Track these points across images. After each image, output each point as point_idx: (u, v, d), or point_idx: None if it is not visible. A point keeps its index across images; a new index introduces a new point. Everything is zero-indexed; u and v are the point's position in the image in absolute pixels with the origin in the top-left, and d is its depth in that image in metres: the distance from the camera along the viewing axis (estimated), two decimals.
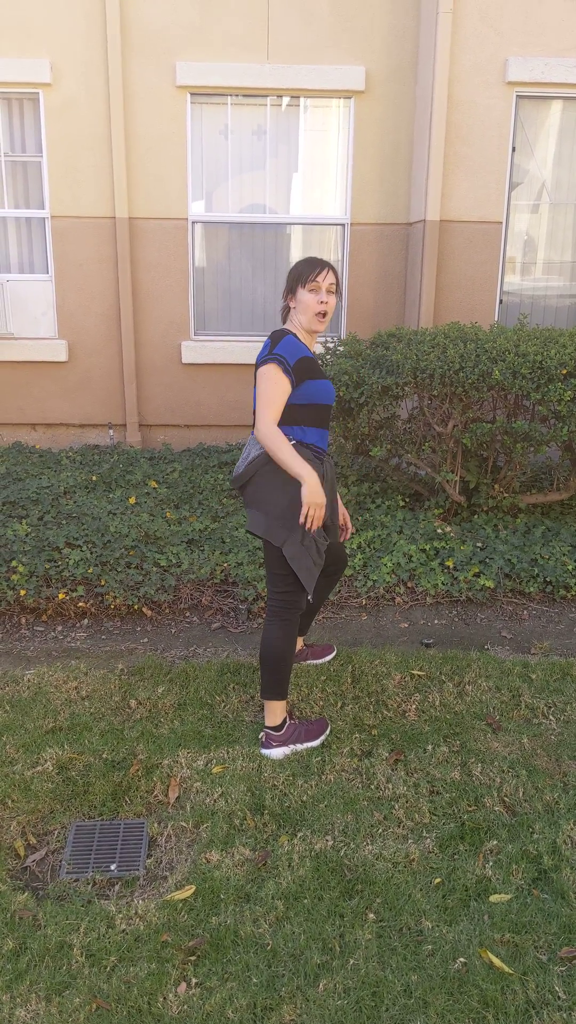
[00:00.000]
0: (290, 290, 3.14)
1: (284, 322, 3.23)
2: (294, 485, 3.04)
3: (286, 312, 3.21)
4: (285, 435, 3.04)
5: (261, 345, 7.26)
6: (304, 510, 2.97)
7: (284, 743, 3.19)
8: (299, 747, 3.20)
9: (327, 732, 3.29)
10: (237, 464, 3.26)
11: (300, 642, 3.68)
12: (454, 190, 6.65)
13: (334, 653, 3.91)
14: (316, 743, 3.23)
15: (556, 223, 6.98)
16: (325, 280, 3.07)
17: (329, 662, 3.86)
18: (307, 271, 3.08)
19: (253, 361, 7.31)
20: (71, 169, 6.93)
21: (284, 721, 3.21)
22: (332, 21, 6.73)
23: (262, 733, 3.23)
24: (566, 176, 6.86)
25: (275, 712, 3.20)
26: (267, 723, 3.22)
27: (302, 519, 2.98)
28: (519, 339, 4.94)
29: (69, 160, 6.91)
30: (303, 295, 3.09)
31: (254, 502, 3.14)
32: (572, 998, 2.10)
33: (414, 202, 7.01)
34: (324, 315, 3.10)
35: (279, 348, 3.02)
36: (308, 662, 3.83)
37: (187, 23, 6.70)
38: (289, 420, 3.09)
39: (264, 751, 3.18)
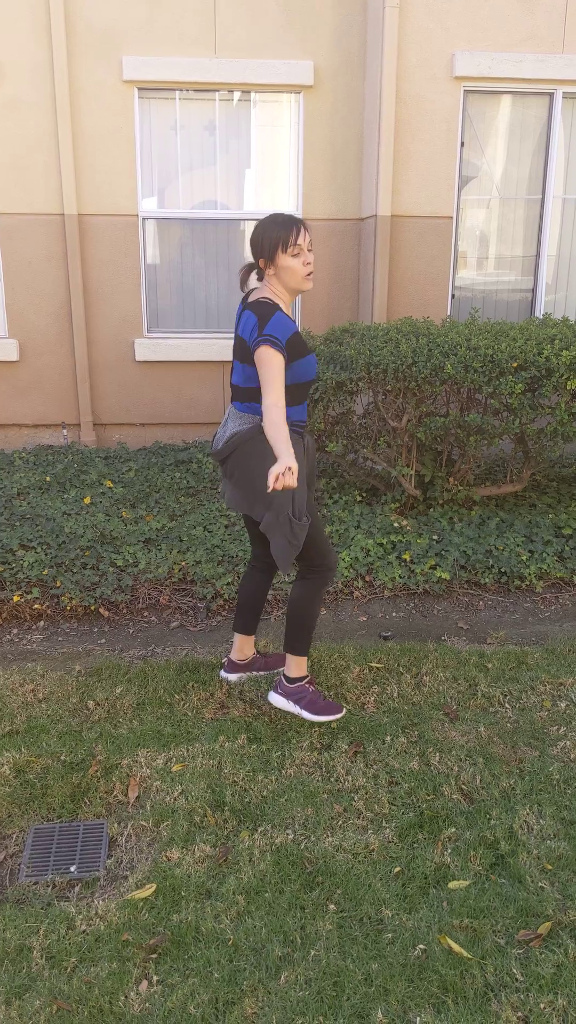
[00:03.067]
0: (268, 258, 2.96)
1: (258, 281, 3.10)
2: (273, 462, 3.01)
3: (258, 275, 3.08)
4: (252, 411, 3.08)
5: (215, 340, 7.25)
6: (275, 470, 2.66)
7: (288, 696, 3.36)
8: (299, 710, 3.34)
9: (334, 717, 3.34)
10: (216, 436, 3.22)
11: (251, 645, 3.63)
12: (404, 185, 6.69)
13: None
14: (316, 718, 3.33)
15: (506, 218, 7.06)
16: (306, 240, 2.96)
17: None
18: (285, 235, 2.92)
19: (208, 359, 7.29)
20: (18, 166, 6.85)
21: (302, 678, 3.36)
22: (280, 16, 6.73)
23: (277, 676, 3.39)
24: (515, 171, 6.94)
25: (295, 665, 3.36)
26: (285, 671, 3.38)
27: (271, 480, 2.65)
28: (471, 333, 4.99)
29: (16, 157, 6.83)
30: (287, 261, 2.94)
31: (234, 478, 3.15)
32: (529, 980, 2.14)
33: (365, 197, 7.04)
34: (310, 274, 3.02)
35: (270, 328, 2.88)
36: (258, 673, 3.71)
37: (133, 18, 6.66)
38: (257, 398, 3.10)
39: (271, 694, 3.40)
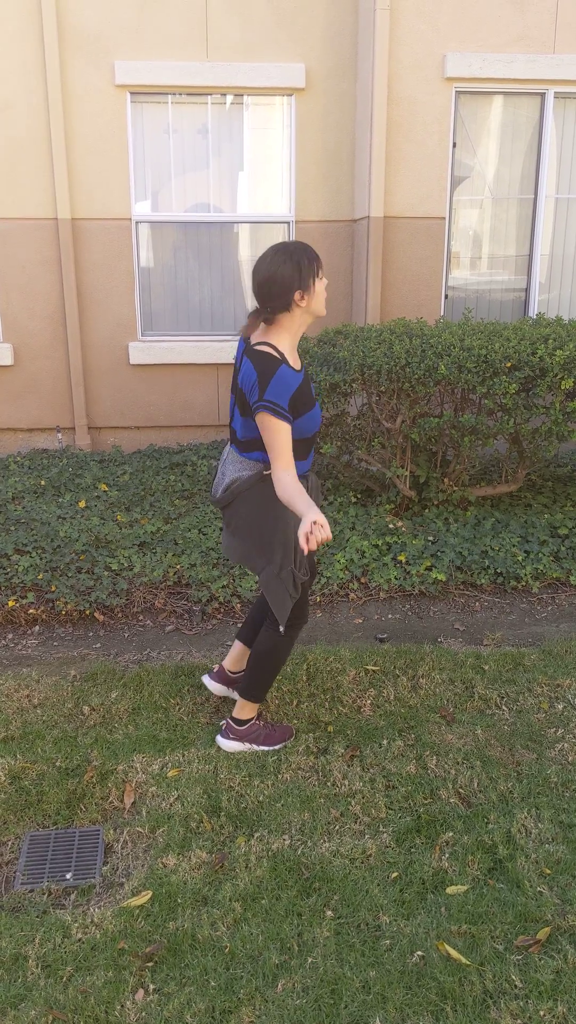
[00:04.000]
0: (305, 289, 2.73)
1: (264, 327, 2.82)
2: (275, 513, 2.89)
3: (267, 318, 2.78)
4: (254, 458, 2.91)
5: (209, 343, 7.24)
6: (303, 530, 2.50)
7: (241, 739, 3.18)
8: (255, 747, 3.19)
9: (288, 740, 3.26)
10: (215, 482, 3.04)
11: (245, 660, 3.47)
12: (397, 186, 6.68)
13: None
14: (273, 748, 3.21)
15: (499, 218, 7.05)
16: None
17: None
18: (315, 260, 2.75)
19: (203, 361, 7.28)
20: (10, 171, 6.83)
21: (250, 719, 3.20)
22: (271, 19, 6.73)
23: (224, 721, 3.22)
24: (507, 171, 6.94)
25: (246, 709, 3.19)
26: (234, 713, 3.19)
27: (303, 543, 2.49)
28: (464, 333, 4.99)
29: (8, 162, 6.81)
30: (318, 287, 2.76)
31: (232, 527, 3.01)
32: (528, 986, 2.12)
33: (358, 199, 7.03)
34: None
35: (271, 393, 2.69)
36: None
37: (125, 23, 6.64)
38: (256, 447, 2.94)
39: (220, 738, 3.18)
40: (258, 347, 2.78)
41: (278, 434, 2.71)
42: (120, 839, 2.72)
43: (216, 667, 3.57)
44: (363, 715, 3.43)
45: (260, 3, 6.68)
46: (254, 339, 2.83)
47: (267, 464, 2.90)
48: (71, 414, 7.40)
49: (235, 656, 3.48)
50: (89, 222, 7.01)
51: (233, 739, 3.18)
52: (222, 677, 3.51)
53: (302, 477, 2.99)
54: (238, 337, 2.96)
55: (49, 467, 6.54)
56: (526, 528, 5.06)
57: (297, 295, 2.73)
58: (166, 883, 2.50)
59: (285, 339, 2.81)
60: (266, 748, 3.20)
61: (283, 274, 2.70)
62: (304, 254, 2.73)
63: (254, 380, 2.74)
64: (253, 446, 2.90)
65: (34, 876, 2.57)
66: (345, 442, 5.39)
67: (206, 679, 3.53)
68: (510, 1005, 2.07)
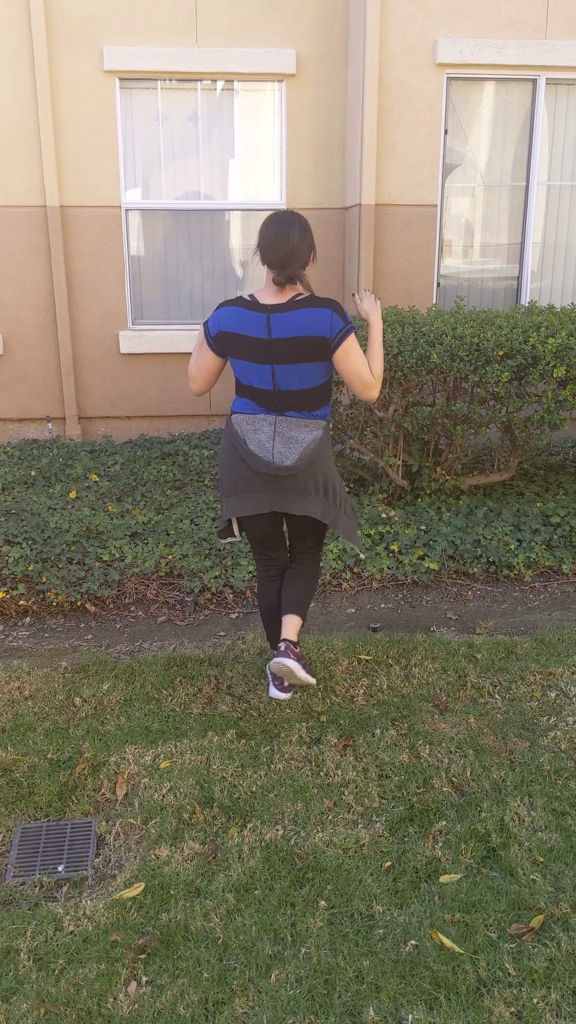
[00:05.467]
0: (314, 249, 3.09)
1: (276, 289, 3.04)
2: (333, 463, 3.27)
3: (292, 276, 3.00)
4: (319, 417, 3.16)
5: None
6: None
7: (300, 659, 3.31)
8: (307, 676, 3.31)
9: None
10: (272, 452, 3.09)
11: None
12: (388, 173, 6.64)
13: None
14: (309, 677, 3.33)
15: (491, 205, 7.02)
16: None
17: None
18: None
19: (191, 350, 7.22)
20: None
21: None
22: (261, 4, 6.66)
23: (286, 645, 3.29)
24: (499, 158, 6.90)
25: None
26: (295, 636, 3.33)
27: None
28: (456, 322, 4.96)
29: None
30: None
31: (310, 486, 3.16)
32: (522, 974, 2.12)
33: (349, 186, 6.99)
34: None
35: (348, 316, 3.04)
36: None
37: (114, 7, 6.57)
38: (328, 398, 3.18)
39: (292, 664, 3.23)
40: (303, 298, 3.01)
41: (359, 354, 3.05)
42: (112, 831, 2.71)
43: (283, 649, 3.31)
44: (356, 704, 3.42)
45: None
46: (283, 299, 3.03)
47: (328, 420, 3.22)
48: (61, 404, 7.36)
49: (289, 626, 3.37)
50: (78, 210, 6.95)
51: (303, 663, 3.34)
52: (293, 653, 3.32)
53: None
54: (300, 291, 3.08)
55: (39, 457, 6.51)
56: (519, 517, 5.05)
57: (313, 255, 3.09)
58: (159, 875, 2.49)
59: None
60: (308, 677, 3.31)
61: (298, 242, 2.99)
62: (304, 222, 3.04)
63: (330, 315, 2.97)
64: (323, 399, 3.15)
65: (26, 869, 2.55)
66: (337, 431, 5.37)
67: (281, 663, 3.23)
68: (504, 993, 2.07)
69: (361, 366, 3.04)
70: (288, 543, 3.52)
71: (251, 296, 3.08)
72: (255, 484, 3.16)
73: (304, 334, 2.98)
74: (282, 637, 3.34)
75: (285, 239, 2.97)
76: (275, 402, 3.10)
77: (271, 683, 3.47)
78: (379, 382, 3.11)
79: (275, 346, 3.00)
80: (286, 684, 3.44)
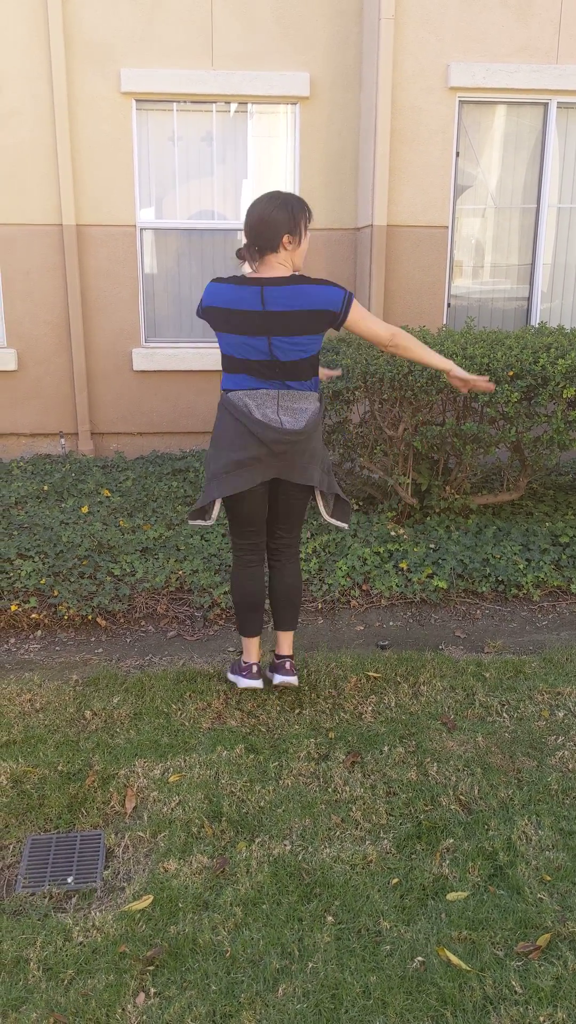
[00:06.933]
0: (299, 233, 3.08)
1: (271, 264, 3.10)
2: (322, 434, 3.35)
3: (258, 255, 3.10)
4: (314, 387, 3.22)
5: (211, 350, 7.26)
6: (471, 380, 3.35)
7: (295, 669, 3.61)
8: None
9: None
10: (280, 421, 3.16)
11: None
12: (400, 195, 6.71)
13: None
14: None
15: (501, 227, 7.08)
16: None
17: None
18: (307, 209, 3.10)
19: (205, 368, 7.30)
20: (16, 177, 6.87)
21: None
22: (276, 28, 6.77)
23: (289, 661, 3.55)
24: (509, 180, 6.97)
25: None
26: (290, 651, 3.55)
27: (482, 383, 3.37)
28: (466, 342, 5.00)
29: (14, 168, 6.85)
30: (303, 242, 3.13)
31: (308, 455, 3.25)
32: (528, 992, 2.13)
33: (361, 207, 7.06)
34: None
35: (342, 286, 3.14)
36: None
37: (131, 30, 6.69)
38: (317, 368, 3.23)
39: (291, 678, 3.52)
40: (300, 275, 3.08)
41: (365, 311, 3.15)
42: (121, 843, 2.73)
43: (256, 668, 3.58)
44: (364, 722, 3.44)
45: (265, 12, 6.73)
46: (276, 274, 3.10)
47: (320, 392, 3.29)
48: (74, 419, 7.43)
49: (288, 643, 3.65)
50: (94, 228, 7.04)
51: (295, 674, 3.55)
52: (294, 668, 3.64)
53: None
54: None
55: (52, 472, 6.56)
56: (527, 536, 5.07)
57: (286, 238, 3.05)
58: (167, 887, 2.51)
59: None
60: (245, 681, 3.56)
61: (279, 217, 3.02)
62: (298, 203, 3.06)
63: (331, 290, 3.05)
64: (315, 368, 3.21)
65: (35, 880, 2.57)
66: (347, 450, 5.41)
67: (287, 681, 3.58)
68: (510, 1011, 2.07)
69: (374, 324, 3.15)
70: (268, 528, 3.54)
71: (243, 275, 3.14)
72: (261, 454, 3.19)
73: (306, 307, 3.05)
74: (283, 654, 3.57)
75: (249, 214, 3.06)
76: (273, 372, 3.14)
77: (242, 676, 3.59)
78: (396, 331, 3.19)
79: (272, 318, 3.05)
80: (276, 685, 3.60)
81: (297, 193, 7.11)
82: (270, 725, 3.41)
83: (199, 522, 3.42)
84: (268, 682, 3.72)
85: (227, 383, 3.23)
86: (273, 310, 3.05)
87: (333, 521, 3.50)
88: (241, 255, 3.16)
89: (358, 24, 6.81)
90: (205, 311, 3.17)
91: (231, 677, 3.68)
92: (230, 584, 3.65)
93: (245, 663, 3.56)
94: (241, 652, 3.90)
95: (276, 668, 3.56)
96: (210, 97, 6.89)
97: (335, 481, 3.44)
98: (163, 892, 2.49)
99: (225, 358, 3.21)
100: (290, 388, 3.17)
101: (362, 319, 3.13)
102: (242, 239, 7.29)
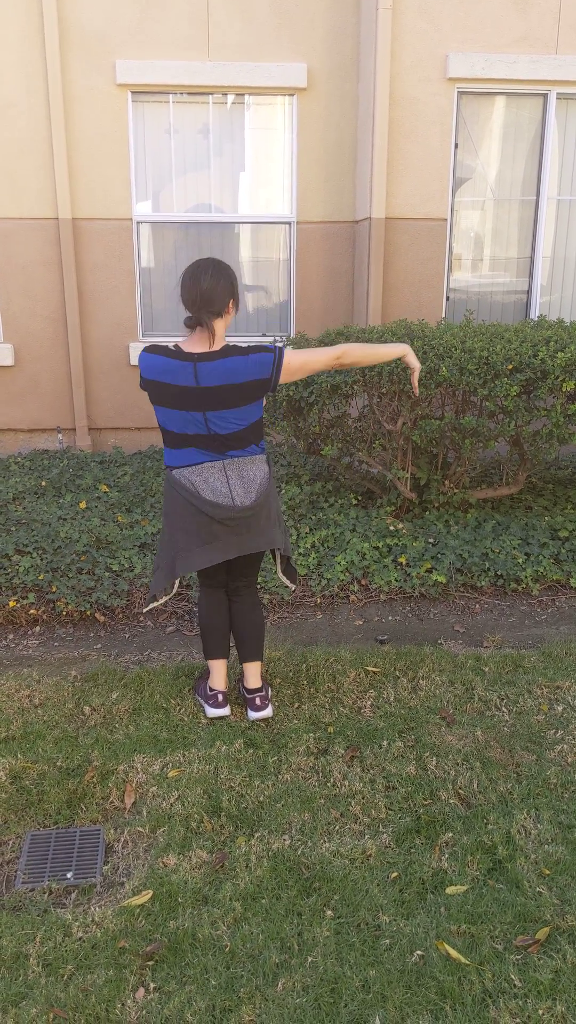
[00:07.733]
0: (237, 296, 3.11)
1: (217, 331, 3.05)
2: (275, 488, 3.33)
3: (204, 323, 3.02)
4: (260, 451, 3.17)
5: None
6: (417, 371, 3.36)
7: (269, 699, 3.50)
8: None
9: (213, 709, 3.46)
10: (230, 495, 3.12)
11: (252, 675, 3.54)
12: (398, 187, 6.69)
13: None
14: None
15: (500, 219, 7.06)
16: None
17: (279, 667, 3.86)
18: (236, 280, 3.13)
19: None
20: (12, 171, 6.84)
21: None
22: (272, 19, 6.73)
23: (263, 694, 3.46)
24: (509, 172, 6.95)
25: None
26: (259, 684, 3.46)
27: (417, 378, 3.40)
28: (465, 335, 4.99)
29: (9, 161, 6.82)
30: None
31: (264, 519, 3.20)
32: (527, 986, 2.13)
33: (359, 199, 7.04)
34: None
35: (270, 343, 3.19)
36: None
37: (126, 22, 6.65)
38: (262, 432, 3.17)
39: (264, 713, 3.43)
40: (229, 347, 3.04)
41: (300, 352, 3.10)
42: (121, 839, 2.73)
43: (222, 697, 3.47)
44: (363, 716, 3.44)
45: (262, 3, 6.69)
46: (208, 348, 3.04)
47: (265, 452, 3.26)
48: (72, 415, 7.42)
49: (256, 674, 3.49)
50: (90, 222, 7.02)
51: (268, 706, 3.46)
52: (267, 701, 3.48)
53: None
54: (227, 342, 3.10)
55: (50, 468, 6.55)
56: (526, 530, 5.06)
57: (230, 303, 3.06)
58: (166, 882, 2.51)
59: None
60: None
61: (225, 288, 3.03)
62: (229, 269, 3.08)
63: (258, 358, 3.02)
64: (259, 434, 3.17)
65: (35, 875, 2.57)
66: (346, 444, 5.40)
67: (263, 716, 3.44)
68: (509, 1004, 2.08)
69: (315, 356, 3.10)
70: (229, 576, 3.48)
71: (175, 346, 3.06)
72: (217, 532, 3.14)
73: (239, 381, 3.00)
74: (253, 687, 3.46)
75: (196, 283, 2.99)
76: (215, 444, 3.09)
77: (208, 704, 3.46)
78: (342, 350, 3.13)
79: (207, 394, 3.00)
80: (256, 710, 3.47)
81: (295, 186, 7.10)
82: (269, 720, 3.40)
83: (152, 605, 3.47)
84: (238, 705, 3.59)
85: (170, 459, 3.17)
86: (207, 385, 2.99)
87: (284, 579, 3.55)
88: (191, 325, 3.06)
89: (356, 14, 6.78)
90: (146, 383, 3.09)
91: (198, 698, 3.55)
92: (198, 609, 3.59)
93: (212, 689, 3.46)
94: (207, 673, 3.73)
95: (248, 704, 3.45)
96: (207, 89, 6.86)
97: (288, 540, 3.39)
98: (162, 887, 2.49)
99: (165, 432, 3.13)
100: (234, 457, 3.12)
101: (300, 364, 3.08)
102: (239, 232, 7.27)
